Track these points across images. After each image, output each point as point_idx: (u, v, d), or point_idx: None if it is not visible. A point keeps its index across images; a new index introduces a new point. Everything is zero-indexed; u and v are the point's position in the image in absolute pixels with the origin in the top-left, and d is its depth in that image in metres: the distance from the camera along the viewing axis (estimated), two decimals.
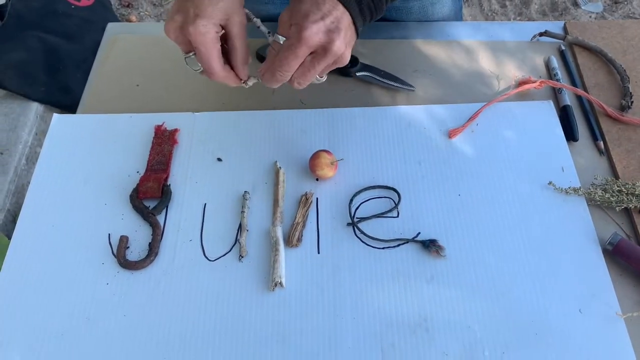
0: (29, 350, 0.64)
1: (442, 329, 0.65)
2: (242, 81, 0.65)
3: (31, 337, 0.65)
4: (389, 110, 0.85)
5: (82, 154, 0.80)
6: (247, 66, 0.63)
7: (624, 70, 0.88)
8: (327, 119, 0.84)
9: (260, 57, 0.91)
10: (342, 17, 0.57)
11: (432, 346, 0.64)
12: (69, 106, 0.84)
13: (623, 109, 0.85)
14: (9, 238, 0.75)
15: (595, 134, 0.82)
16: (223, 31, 0.61)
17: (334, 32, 0.56)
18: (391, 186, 0.77)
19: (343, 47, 0.57)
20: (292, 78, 0.60)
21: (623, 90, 0.87)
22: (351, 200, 0.75)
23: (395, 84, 0.88)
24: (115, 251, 0.71)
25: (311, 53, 0.58)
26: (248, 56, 0.63)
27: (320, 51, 0.57)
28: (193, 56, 0.61)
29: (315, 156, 0.76)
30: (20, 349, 0.64)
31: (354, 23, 0.58)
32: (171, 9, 0.61)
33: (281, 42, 0.58)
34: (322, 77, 0.64)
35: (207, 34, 0.58)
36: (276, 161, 0.79)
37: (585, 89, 0.88)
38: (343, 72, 0.89)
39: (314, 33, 0.55)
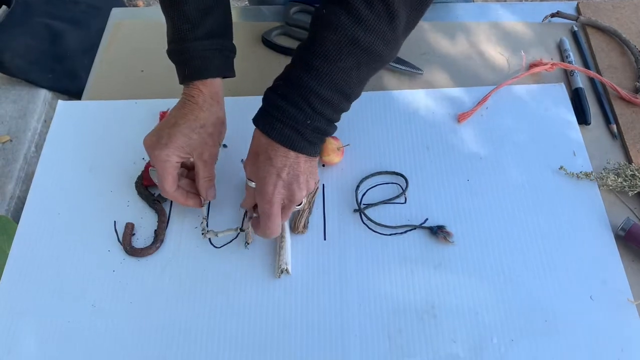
0: (36, 337, 0.64)
1: (450, 316, 0.65)
2: (205, 203, 0.71)
3: (38, 324, 0.65)
4: (396, 95, 0.84)
5: (88, 140, 0.80)
6: (212, 189, 0.69)
7: (639, 51, 0.86)
8: None
9: (265, 41, 0.90)
10: (296, 162, 0.60)
11: (440, 333, 0.64)
12: (77, 93, 0.84)
13: (637, 91, 0.82)
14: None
15: (608, 117, 0.80)
16: (187, 160, 0.68)
17: (292, 184, 0.60)
18: (398, 172, 0.76)
19: (304, 192, 0.62)
20: None
21: (637, 71, 0.85)
22: (358, 187, 0.74)
23: (403, 67, 0.86)
24: (121, 238, 0.71)
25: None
26: (209, 186, 0.69)
27: (287, 202, 0.62)
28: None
29: None
30: (27, 335, 0.64)
31: (309, 155, 0.60)
32: (156, 126, 0.68)
33: (252, 186, 0.63)
34: (299, 206, 0.66)
35: (166, 162, 0.64)
36: None
37: (598, 71, 0.86)
38: None
39: (277, 194, 0.60)
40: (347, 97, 0.59)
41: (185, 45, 0.66)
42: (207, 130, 0.66)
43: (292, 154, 0.59)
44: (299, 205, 0.64)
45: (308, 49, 0.57)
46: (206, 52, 0.67)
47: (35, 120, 1.75)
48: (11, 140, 1.69)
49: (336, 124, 0.62)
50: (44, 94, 1.80)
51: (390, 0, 0.53)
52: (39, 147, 1.72)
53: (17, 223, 0.73)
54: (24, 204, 0.74)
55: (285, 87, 0.58)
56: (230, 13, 0.72)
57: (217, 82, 0.69)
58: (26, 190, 0.75)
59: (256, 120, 0.61)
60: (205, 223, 0.70)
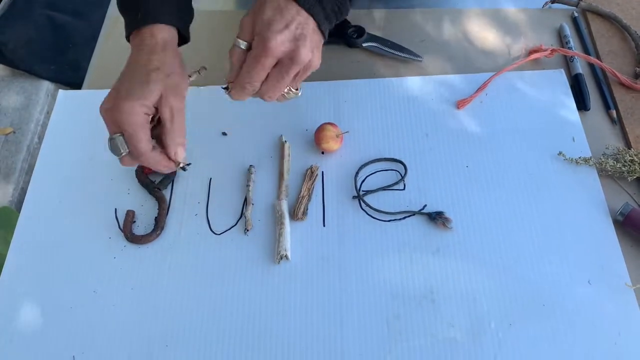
0: (38, 322, 0.65)
1: (448, 301, 0.65)
2: (178, 165, 0.61)
3: (40, 311, 0.66)
4: (395, 82, 0.84)
5: (88, 129, 0.80)
6: (181, 148, 0.60)
7: (639, 37, 0.85)
8: (333, 91, 0.82)
9: None
10: (307, 23, 0.55)
11: (438, 318, 0.64)
12: (79, 84, 0.85)
13: (637, 76, 0.82)
14: None
15: (608, 103, 0.80)
16: (153, 113, 0.58)
17: (299, 40, 0.54)
18: (398, 158, 0.76)
19: (309, 54, 0.55)
20: (262, 91, 0.58)
21: (637, 57, 0.84)
22: (357, 173, 0.75)
23: (403, 55, 0.86)
24: (121, 226, 0.71)
25: (277, 64, 0.56)
26: (181, 139, 0.60)
27: (287, 60, 0.55)
28: (120, 136, 0.57)
29: (320, 129, 0.75)
30: (29, 321, 0.65)
31: (319, 27, 0.57)
32: (110, 90, 0.59)
33: (241, 47, 0.57)
34: (297, 91, 0.61)
35: (133, 114, 0.55)
36: (281, 135, 0.78)
37: (598, 57, 0.86)
38: (349, 42, 0.87)
39: (280, 43, 0.54)
40: None
41: None
42: (165, 71, 0.58)
43: (303, 13, 0.55)
44: (296, 90, 0.59)
45: None
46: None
47: (38, 112, 1.76)
48: (14, 132, 1.70)
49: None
50: (46, 86, 1.81)
51: None
52: (42, 139, 1.72)
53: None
54: None
55: None
56: None
57: (171, 32, 0.61)
58: (29, 182, 0.75)
59: None
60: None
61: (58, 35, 1.85)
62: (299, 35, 0.54)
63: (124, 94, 0.56)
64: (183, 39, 0.65)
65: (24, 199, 0.75)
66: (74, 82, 1.80)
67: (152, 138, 0.59)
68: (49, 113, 1.78)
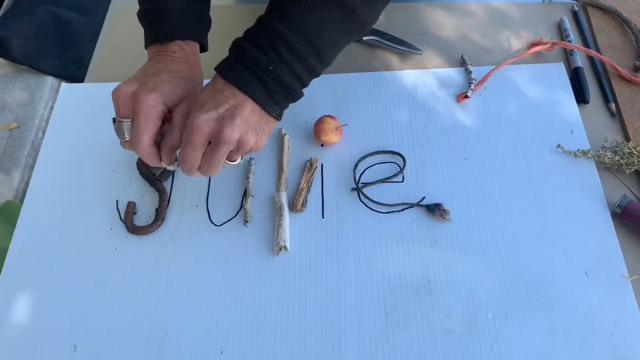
0: (40, 312, 0.66)
1: (446, 292, 0.65)
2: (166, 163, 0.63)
3: (42, 300, 0.67)
4: (395, 75, 0.84)
5: (90, 122, 0.81)
6: (173, 154, 0.62)
7: (639, 30, 0.86)
8: (333, 84, 0.83)
9: None
10: (240, 105, 0.55)
11: (436, 308, 0.64)
12: (83, 80, 0.86)
13: (637, 69, 0.82)
14: None
15: (607, 96, 0.80)
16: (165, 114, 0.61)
17: (225, 120, 0.55)
18: (396, 151, 0.76)
19: (235, 134, 0.55)
20: (200, 168, 0.59)
21: (637, 50, 0.84)
22: (356, 166, 0.75)
23: (403, 48, 0.86)
24: (123, 217, 0.72)
25: (209, 143, 0.57)
26: (177, 146, 0.61)
27: (214, 140, 0.56)
28: (129, 122, 0.59)
29: (319, 122, 0.75)
30: (31, 311, 0.66)
31: (265, 109, 0.57)
32: (132, 76, 0.61)
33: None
34: (233, 162, 0.61)
35: (154, 109, 0.58)
36: (281, 128, 0.79)
37: (598, 51, 0.86)
38: None
39: (204, 121, 0.55)
40: (318, 52, 0.56)
41: (167, 2, 0.64)
42: (192, 83, 0.63)
43: (240, 95, 0.55)
44: (233, 161, 0.59)
45: None
46: (187, 12, 0.65)
47: (42, 107, 1.77)
48: (19, 127, 1.71)
49: (304, 90, 0.59)
50: (50, 82, 1.82)
51: None
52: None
53: None
54: None
55: (254, 33, 0.56)
56: None
57: (196, 47, 0.66)
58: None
59: (218, 65, 0.57)
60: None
61: (62, 32, 1.86)
62: (227, 115, 0.55)
63: (150, 86, 0.59)
64: (202, 48, 0.70)
65: None
66: (78, 77, 1.80)
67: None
68: (52, 108, 1.79)
